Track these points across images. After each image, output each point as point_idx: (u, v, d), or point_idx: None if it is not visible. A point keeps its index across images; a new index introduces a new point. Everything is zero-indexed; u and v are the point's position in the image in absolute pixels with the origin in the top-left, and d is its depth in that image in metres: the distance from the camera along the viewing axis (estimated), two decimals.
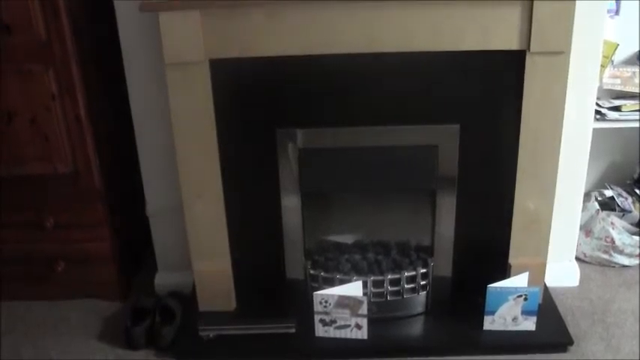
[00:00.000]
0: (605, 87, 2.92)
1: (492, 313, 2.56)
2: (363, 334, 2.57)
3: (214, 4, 2.29)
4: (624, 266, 3.09)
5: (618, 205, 3.18)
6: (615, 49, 2.87)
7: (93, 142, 2.70)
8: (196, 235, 2.62)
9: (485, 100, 2.50)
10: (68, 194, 2.77)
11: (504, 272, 2.63)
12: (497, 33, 2.34)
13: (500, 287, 2.53)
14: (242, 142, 2.56)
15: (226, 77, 2.43)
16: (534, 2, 2.28)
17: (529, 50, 2.35)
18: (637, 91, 2.91)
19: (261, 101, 2.50)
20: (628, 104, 2.90)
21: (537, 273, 2.62)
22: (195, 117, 2.44)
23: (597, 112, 2.84)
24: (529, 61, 2.37)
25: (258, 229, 2.72)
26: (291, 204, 2.64)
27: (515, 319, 2.57)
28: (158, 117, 2.63)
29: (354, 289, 2.53)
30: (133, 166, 2.86)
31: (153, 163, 2.82)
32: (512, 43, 2.35)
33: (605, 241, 3.05)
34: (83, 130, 2.66)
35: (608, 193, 3.24)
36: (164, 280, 3.03)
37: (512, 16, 2.31)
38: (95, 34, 2.72)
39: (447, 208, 2.62)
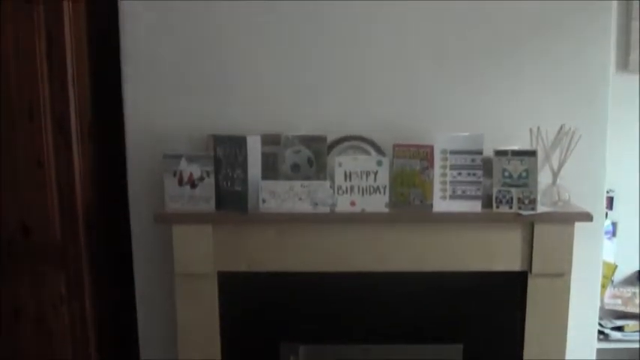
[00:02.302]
0: (606, 307, 2.95)
1: None
2: None
3: (228, 220, 2.39)
4: None
5: None
6: (614, 270, 2.93)
7: (95, 344, 2.68)
8: None
9: (489, 319, 2.52)
10: None
11: None
12: (500, 255, 2.42)
13: None
14: (245, 354, 2.55)
15: (233, 289, 2.47)
16: (535, 226, 2.37)
17: (531, 272, 2.41)
18: (638, 311, 2.93)
19: (265, 314, 2.52)
20: (630, 324, 2.91)
21: None
22: (200, 326, 2.46)
23: (600, 332, 2.85)
24: (531, 282, 2.43)
25: None
26: None
27: None
28: (164, 323, 2.64)
29: None
30: None
31: None
32: (514, 265, 2.42)
33: None
34: (87, 332, 2.65)
35: None
36: None
37: (515, 239, 2.40)
38: (108, 240, 2.79)
39: None
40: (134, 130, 2.58)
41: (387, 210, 2.38)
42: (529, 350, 2.46)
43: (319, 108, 2.57)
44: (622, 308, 2.96)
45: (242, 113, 2.56)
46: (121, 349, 2.91)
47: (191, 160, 2.41)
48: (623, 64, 2.90)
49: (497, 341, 2.53)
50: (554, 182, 2.53)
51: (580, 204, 2.49)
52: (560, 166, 2.53)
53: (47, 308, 2.64)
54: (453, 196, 2.39)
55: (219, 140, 2.42)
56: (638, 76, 2.89)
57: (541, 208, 2.39)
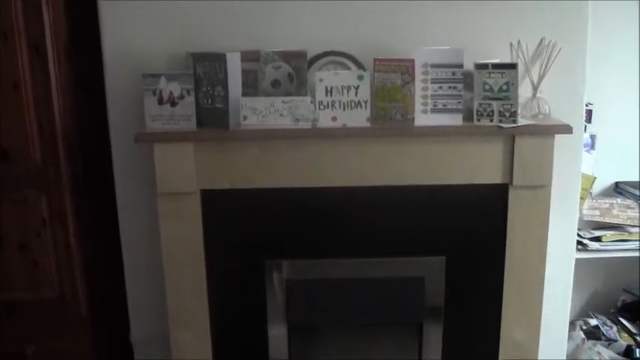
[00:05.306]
0: (585, 218, 2.99)
1: None
2: None
3: (210, 138, 2.38)
4: None
5: (604, 334, 3.17)
6: (593, 182, 2.97)
7: (81, 270, 2.68)
8: None
9: (471, 231, 2.55)
10: (52, 321, 2.71)
11: None
12: (482, 168, 2.44)
13: None
14: (230, 272, 2.57)
15: (216, 207, 2.48)
16: (516, 139, 2.39)
17: (512, 184, 2.44)
18: (615, 221, 2.99)
19: (249, 231, 2.53)
20: (608, 235, 2.97)
21: None
22: (185, 246, 2.47)
23: (579, 242, 2.91)
24: (512, 194, 2.46)
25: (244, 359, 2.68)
26: (277, 334, 2.62)
27: None
28: (148, 245, 2.65)
29: None
30: (120, 293, 2.83)
31: (140, 291, 2.80)
32: (495, 177, 2.45)
33: None
34: (72, 258, 2.65)
35: (593, 321, 3.24)
36: None
37: (496, 151, 2.42)
38: (89, 162, 2.77)
39: (434, 340, 2.62)
40: (111, 49, 2.53)
41: (368, 125, 2.37)
42: (510, 261, 2.51)
43: (298, 24, 2.53)
44: (600, 219, 3.00)
45: (220, 30, 2.51)
46: (106, 276, 2.93)
47: (171, 78, 2.37)
48: None
49: (479, 253, 2.57)
50: (534, 95, 2.54)
51: (560, 117, 2.51)
52: (540, 79, 2.53)
53: (30, 233, 2.63)
54: (435, 110, 2.39)
55: (198, 58, 2.38)
56: None
57: (521, 121, 2.40)
